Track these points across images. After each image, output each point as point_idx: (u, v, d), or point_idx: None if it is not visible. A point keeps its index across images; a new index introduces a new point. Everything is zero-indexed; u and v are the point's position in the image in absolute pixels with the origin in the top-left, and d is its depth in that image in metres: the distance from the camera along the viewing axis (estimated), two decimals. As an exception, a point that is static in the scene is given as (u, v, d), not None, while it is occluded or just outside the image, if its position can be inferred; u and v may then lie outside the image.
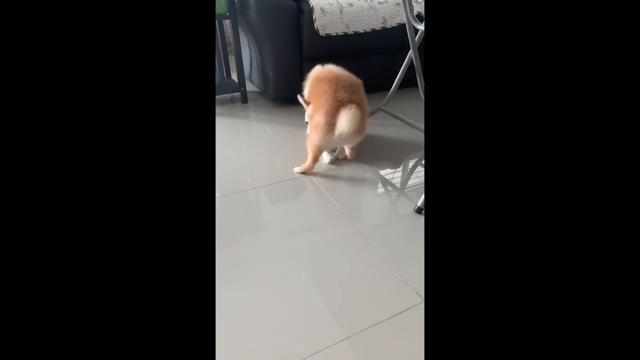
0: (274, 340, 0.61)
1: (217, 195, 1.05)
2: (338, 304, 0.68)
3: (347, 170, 1.19)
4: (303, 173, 1.17)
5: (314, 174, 1.16)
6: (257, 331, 0.63)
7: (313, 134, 1.10)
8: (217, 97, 1.91)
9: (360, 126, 1.05)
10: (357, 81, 1.21)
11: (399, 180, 1.14)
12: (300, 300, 0.69)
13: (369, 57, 1.79)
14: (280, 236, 0.87)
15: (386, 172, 1.18)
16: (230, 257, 0.80)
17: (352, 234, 0.88)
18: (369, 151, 1.32)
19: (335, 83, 1.10)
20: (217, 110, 1.73)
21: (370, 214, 0.96)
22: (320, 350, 0.59)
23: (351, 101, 1.07)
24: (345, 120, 1.03)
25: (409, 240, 0.85)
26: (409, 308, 0.67)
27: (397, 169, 1.20)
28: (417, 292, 0.70)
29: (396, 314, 0.65)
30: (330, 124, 1.06)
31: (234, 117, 1.64)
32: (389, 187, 1.10)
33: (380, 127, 1.52)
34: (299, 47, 1.63)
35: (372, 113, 1.58)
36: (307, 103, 1.20)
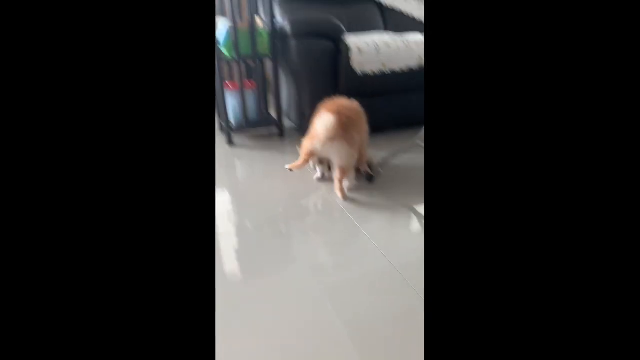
0: None
1: (248, 224, 1.05)
2: (369, 353, 0.62)
3: (380, 202, 1.16)
4: (290, 170, 1.25)
5: (347, 206, 1.14)
6: (283, 373, 0.58)
7: (305, 140, 1.24)
8: (254, 130, 1.99)
9: (331, 132, 1.12)
10: (356, 108, 1.29)
11: (437, 217, 1.08)
12: (328, 344, 0.64)
13: (405, 94, 1.80)
14: (310, 270, 0.84)
15: (421, 207, 1.13)
16: (258, 290, 0.78)
17: (386, 271, 0.82)
18: (404, 185, 1.28)
19: (328, 105, 1.24)
20: (254, 143, 1.79)
21: (405, 250, 0.90)
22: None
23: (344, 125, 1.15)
24: (319, 124, 1.14)
25: (450, 282, 0.78)
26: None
27: (435, 206, 1.14)
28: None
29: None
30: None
31: (271, 150, 1.69)
32: (423, 222, 1.04)
33: (416, 161, 1.49)
34: (335, 85, 1.68)
35: (409, 147, 1.56)
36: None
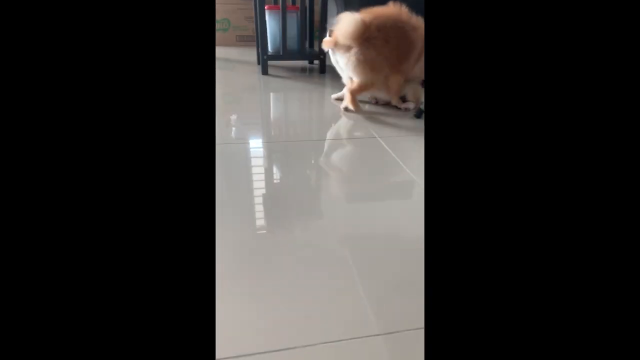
0: (297, 315, 0.40)
1: (276, 171, 0.88)
2: (384, 325, 0.44)
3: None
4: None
5: (389, 143, 0.92)
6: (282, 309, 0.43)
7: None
8: (294, 62, 1.79)
9: (345, 28, 0.97)
10: (408, 23, 1.03)
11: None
12: (337, 286, 0.46)
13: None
14: (340, 227, 0.65)
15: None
16: (282, 243, 0.61)
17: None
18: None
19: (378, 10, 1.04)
20: (292, 75, 1.60)
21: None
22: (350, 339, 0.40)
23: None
24: (342, 22, 1.00)
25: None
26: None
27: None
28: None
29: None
30: None
31: (309, 85, 1.49)
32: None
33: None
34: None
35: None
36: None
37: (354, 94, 1.08)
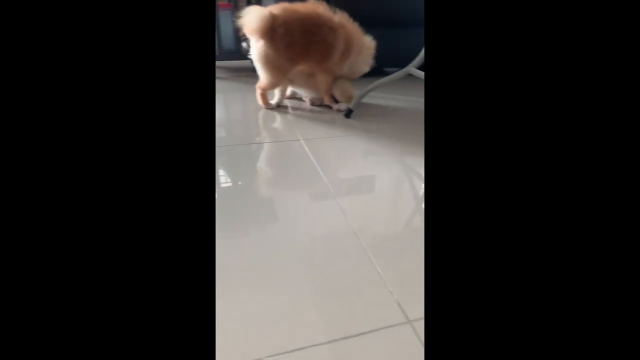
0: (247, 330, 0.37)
1: (224, 176, 0.83)
2: (335, 322, 0.41)
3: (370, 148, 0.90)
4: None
5: (312, 150, 0.89)
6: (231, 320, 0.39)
7: None
8: (233, 63, 1.74)
9: (251, 22, 0.94)
10: (324, 21, 1.01)
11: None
12: (288, 297, 0.43)
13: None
14: (295, 232, 0.62)
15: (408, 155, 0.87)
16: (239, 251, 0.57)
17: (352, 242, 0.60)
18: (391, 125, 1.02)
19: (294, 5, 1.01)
20: (230, 76, 1.55)
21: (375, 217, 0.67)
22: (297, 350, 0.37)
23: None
24: (246, 15, 0.96)
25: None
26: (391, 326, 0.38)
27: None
28: (404, 313, 0.40)
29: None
30: None
31: (249, 85, 1.44)
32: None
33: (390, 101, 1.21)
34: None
35: (375, 87, 1.28)
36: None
37: (263, 90, 1.09)
